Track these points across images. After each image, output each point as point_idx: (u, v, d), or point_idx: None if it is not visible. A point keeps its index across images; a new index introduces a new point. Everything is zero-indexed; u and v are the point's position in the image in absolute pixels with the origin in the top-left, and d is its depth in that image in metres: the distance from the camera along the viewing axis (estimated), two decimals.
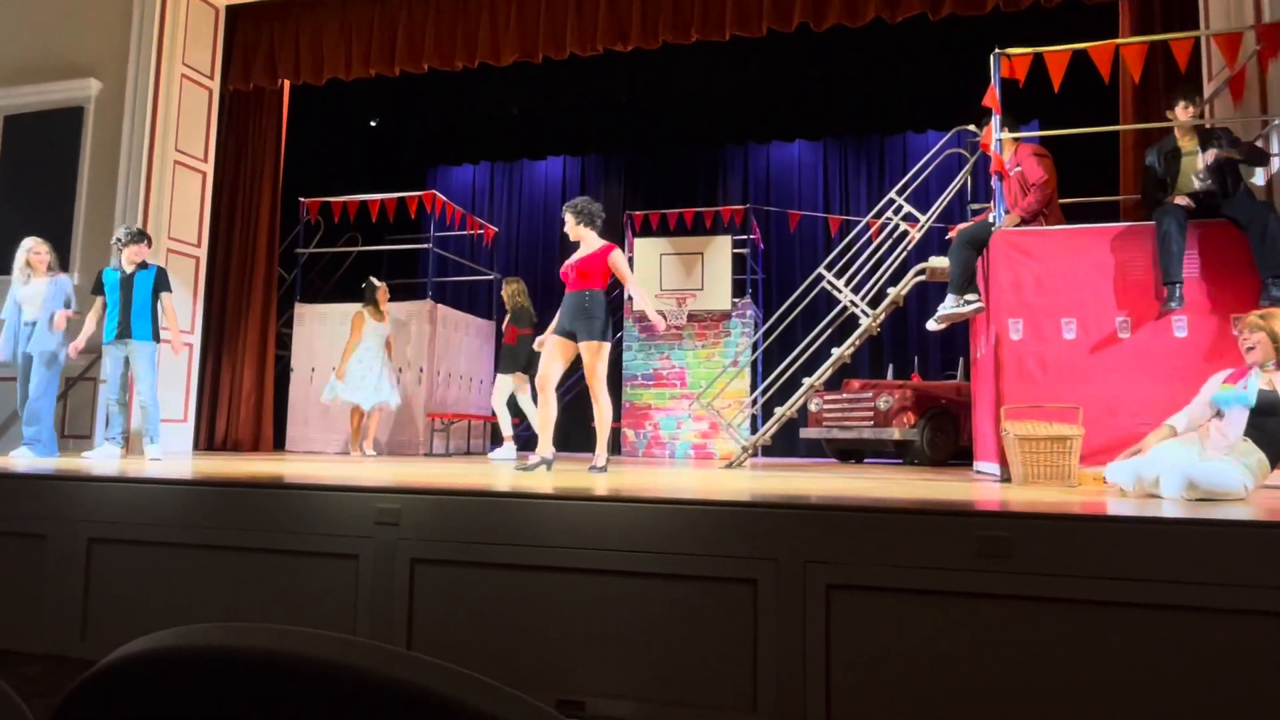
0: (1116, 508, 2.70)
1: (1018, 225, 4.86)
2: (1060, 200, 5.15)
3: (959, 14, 6.51)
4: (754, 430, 8.10)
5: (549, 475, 4.35)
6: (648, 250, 9.32)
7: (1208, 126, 4.73)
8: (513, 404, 7.15)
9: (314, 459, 6.47)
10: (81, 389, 6.62)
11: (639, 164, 11.76)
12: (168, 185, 7.22)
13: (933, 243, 7.80)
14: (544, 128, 11.34)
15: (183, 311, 7.08)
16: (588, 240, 4.80)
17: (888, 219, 6.72)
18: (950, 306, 5.14)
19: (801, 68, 9.06)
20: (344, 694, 0.43)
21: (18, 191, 7.11)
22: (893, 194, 6.73)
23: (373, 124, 11.40)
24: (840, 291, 6.46)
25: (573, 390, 10.76)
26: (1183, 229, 4.29)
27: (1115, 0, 6.23)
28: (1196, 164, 4.57)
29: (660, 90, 9.63)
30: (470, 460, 7.21)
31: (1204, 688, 2.12)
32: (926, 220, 6.44)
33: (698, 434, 9.19)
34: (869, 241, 6.82)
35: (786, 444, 8.99)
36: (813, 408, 8.26)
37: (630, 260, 9.44)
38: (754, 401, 8.20)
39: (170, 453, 6.37)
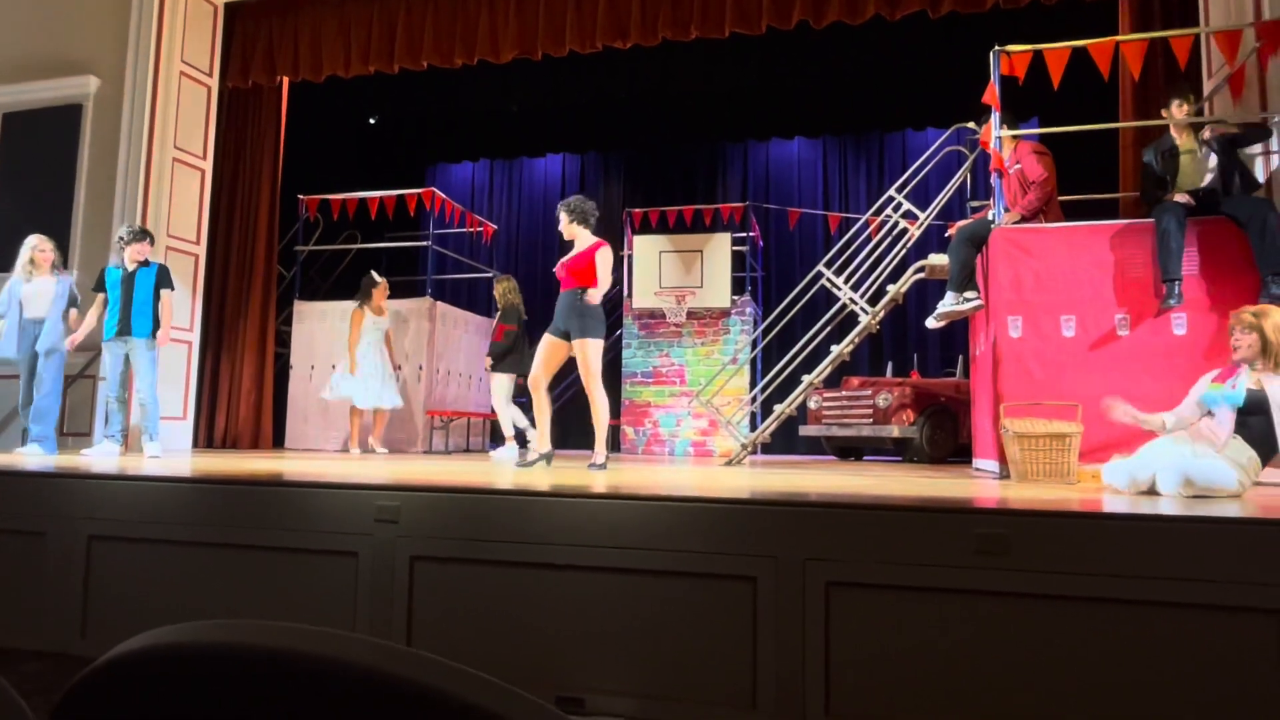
0: (1114, 505, 2.71)
1: (1018, 223, 4.86)
2: (1060, 198, 5.15)
3: (959, 11, 6.51)
4: (753, 427, 8.11)
5: (548, 472, 4.35)
6: (647, 248, 9.32)
7: (1204, 124, 4.73)
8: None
9: (313, 457, 6.47)
10: (80, 387, 6.62)
11: (638, 161, 11.75)
12: (167, 183, 7.21)
13: (932, 240, 7.80)
14: (543, 125, 11.34)
15: (182, 309, 7.08)
16: (581, 238, 4.81)
17: (887, 216, 6.71)
18: (949, 304, 5.14)
19: (801, 65, 9.05)
20: (343, 690, 0.43)
21: (16, 189, 7.10)
22: (892, 191, 6.73)
23: (372, 121, 11.39)
24: (839, 289, 6.46)
25: (573, 387, 10.76)
26: (1182, 226, 4.29)
27: None
28: (1196, 161, 4.57)
29: (660, 87, 9.62)
30: (470, 458, 7.21)
31: (1200, 684, 2.12)
32: (926, 218, 6.43)
33: (697, 431, 9.19)
34: (868, 239, 6.81)
35: (786, 441, 8.99)
36: (812, 405, 8.26)
37: (630, 258, 9.46)
38: (753, 399, 8.20)
39: (169, 450, 6.37)
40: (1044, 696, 2.21)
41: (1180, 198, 4.41)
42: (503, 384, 7.01)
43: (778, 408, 6.50)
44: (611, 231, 11.33)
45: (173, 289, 5.68)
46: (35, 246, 5.65)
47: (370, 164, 11.35)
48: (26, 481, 3.42)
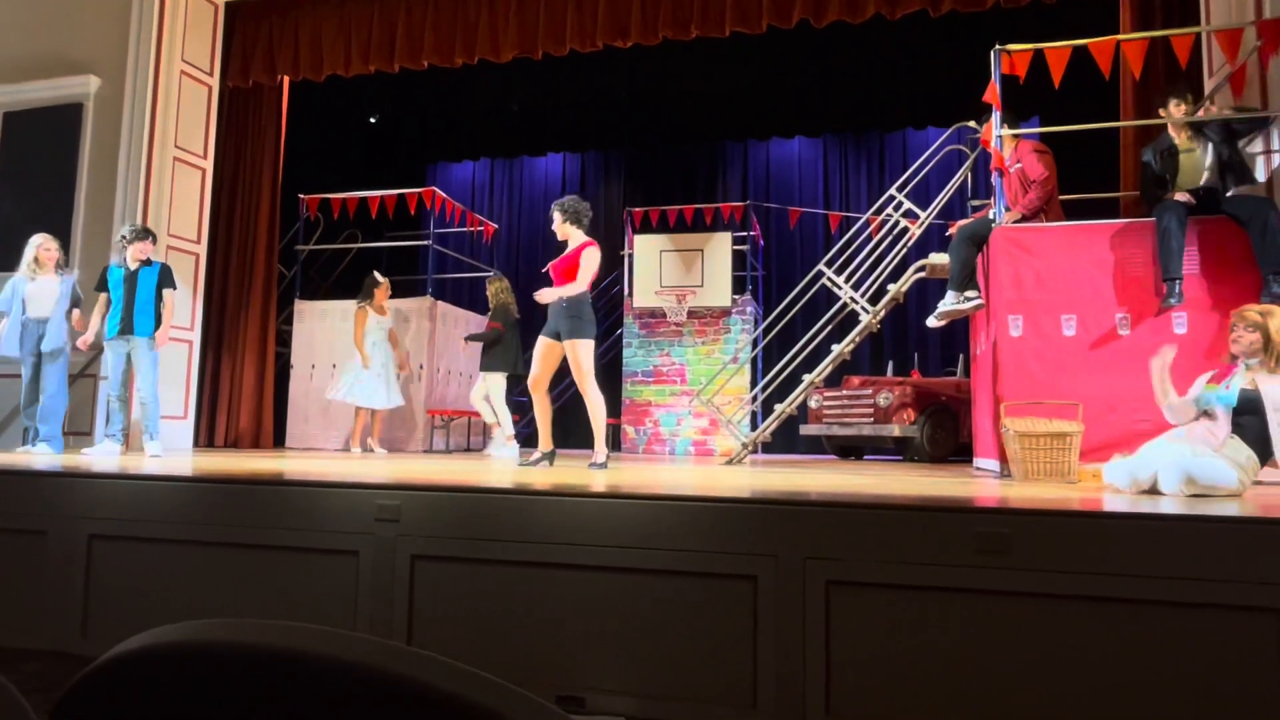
0: (1115, 504, 2.71)
1: (1018, 222, 4.85)
2: (1060, 197, 5.15)
3: (959, 10, 6.50)
4: (754, 427, 8.11)
5: (549, 471, 4.35)
6: (648, 247, 9.32)
7: (1203, 123, 4.73)
8: (511, 402, 7.17)
9: (314, 456, 6.47)
10: (81, 386, 6.62)
11: (639, 160, 11.75)
12: (167, 182, 7.21)
13: (933, 239, 7.79)
14: (544, 124, 11.33)
15: (183, 308, 7.08)
16: (574, 239, 4.84)
17: (888, 215, 6.71)
18: (950, 303, 5.14)
19: (801, 64, 9.04)
20: (344, 689, 0.43)
21: (17, 188, 7.10)
22: (893, 190, 6.72)
23: (372, 120, 11.39)
24: (840, 288, 6.46)
25: (573, 387, 10.77)
26: (1182, 225, 4.28)
27: None
28: (1195, 160, 4.57)
29: (660, 86, 9.62)
30: (470, 457, 7.22)
31: (1201, 683, 2.12)
32: (927, 217, 6.43)
33: (698, 430, 9.19)
34: (869, 238, 6.81)
35: (786, 441, 8.99)
36: (813, 404, 8.26)
37: (630, 257, 9.46)
38: (754, 398, 8.20)
39: (170, 449, 6.37)
40: (1044, 696, 2.22)
41: (1181, 197, 4.41)
42: (498, 383, 7.01)
43: (778, 407, 6.50)
44: (612, 230, 11.36)
45: (175, 288, 5.70)
46: (40, 245, 5.65)
47: (371, 163, 11.34)
48: (27, 480, 3.42)
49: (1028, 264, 4.59)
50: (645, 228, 9.81)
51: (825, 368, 6.31)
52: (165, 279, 5.63)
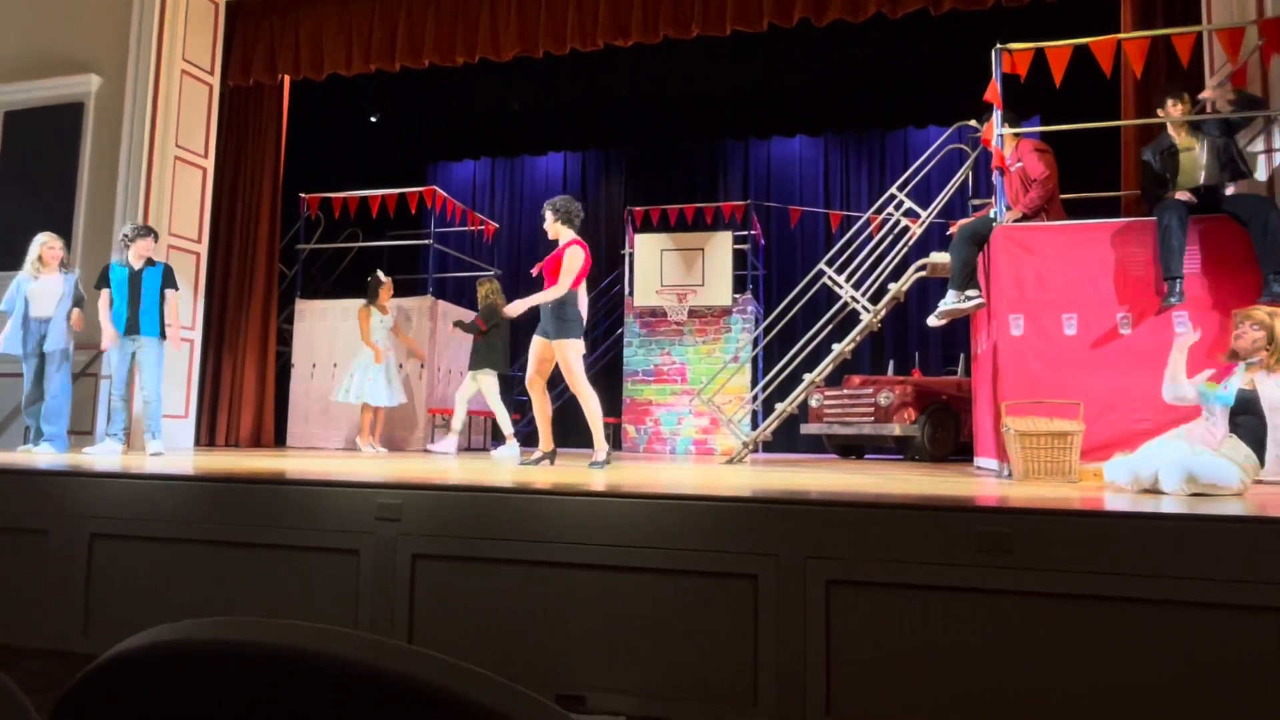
0: (1116, 503, 2.71)
1: (1019, 221, 4.85)
2: (1061, 195, 5.14)
3: (960, 9, 6.50)
4: (755, 426, 8.11)
5: (550, 470, 4.35)
6: (648, 246, 9.31)
7: (1201, 121, 4.72)
8: (508, 402, 7.20)
9: (315, 455, 6.47)
10: (82, 385, 6.62)
11: (640, 159, 11.75)
12: (168, 181, 7.21)
13: (933, 238, 7.79)
14: (544, 123, 11.33)
15: (184, 307, 7.08)
16: (563, 238, 4.87)
17: (889, 215, 6.71)
18: (951, 302, 5.13)
19: (802, 63, 9.04)
20: (345, 688, 0.43)
21: (18, 187, 7.11)
22: (894, 189, 6.72)
23: (373, 119, 11.39)
24: (841, 287, 6.46)
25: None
26: (1183, 224, 4.28)
27: None
28: (1194, 158, 4.56)
29: (661, 85, 9.61)
30: (471, 456, 7.22)
31: (1203, 682, 2.12)
32: (927, 216, 6.43)
33: (698, 430, 9.19)
34: (870, 237, 6.80)
35: (787, 440, 8.99)
36: (813, 403, 8.26)
37: (631, 256, 9.46)
38: (755, 397, 8.20)
39: (171, 449, 6.38)
40: (1045, 694, 2.21)
41: (1181, 196, 4.41)
42: (489, 383, 7.02)
43: (779, 406, 6.50)
44: (613, 229, 11.37)
45: (177, 290, 5.73)
46: (45, 244, 5.64)
47: (371, 162, 11.34)
48: (29, 479, 3.43)
49: (1029, 263, 4.58)
50: (646, 227, 9.81)
51: (826, 367, 6.31)
52: (168, 280, 5.66)
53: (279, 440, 8.40)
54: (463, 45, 7.47)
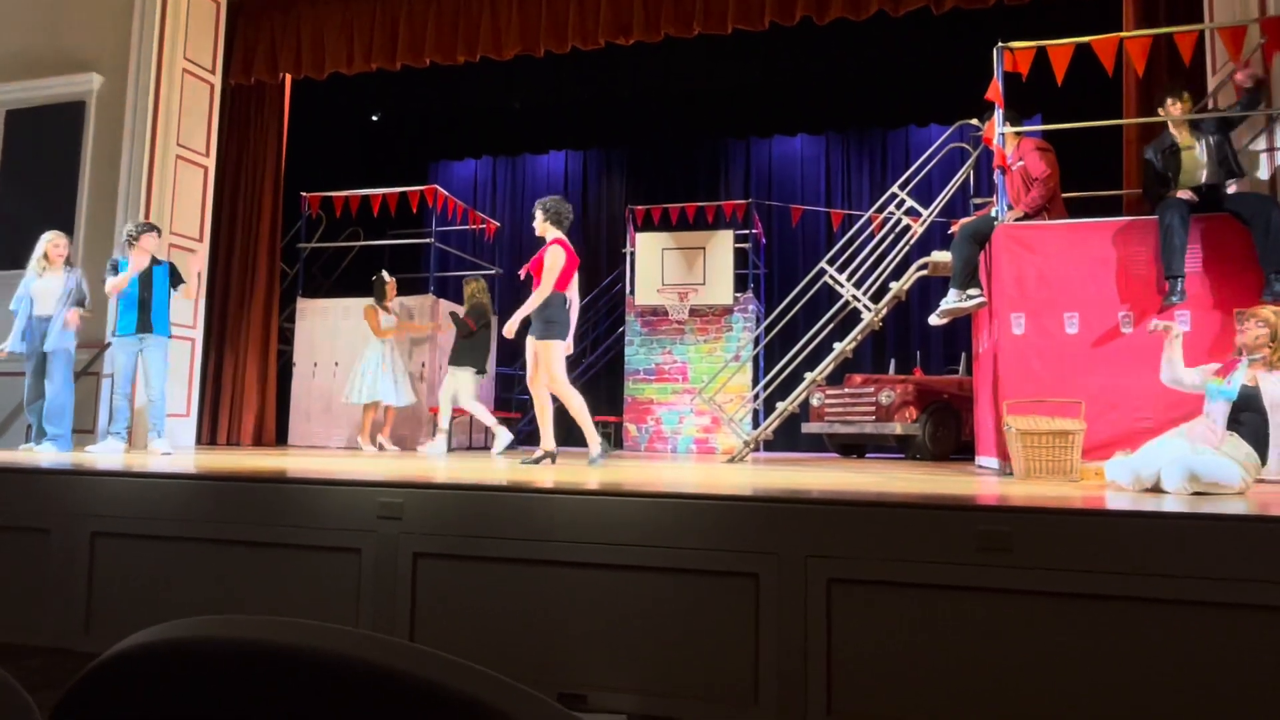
0: (1117, 502, 2.70)
1: (1021, 220, 4.85)
2: (1063, 194, 5.14)
3: (962, 7, 6.49)
4: (756, 425, 8.10)
5: (551, 469, 4.36)
6: (649, 245, 9.31)
7: (1202, 119, 4.72)
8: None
9: (317, 454, 6.48)
10: (84, 384, 6.62)
11: (641, 158, 11.74)
12: (170, 180, 7.22)
13: (935, 237, 7.78)
14: (546, 122, 11.32)
15: (185, 306, 7.09)
16: (548, 237, 4.90)
17: (890, 213, 6.70)
18: (952, 301, 5.13)
19: (804, 61, 9.03)
20: (347, 686, 0.43)
21: (20, 186, 7.11)
22: (895, 188, 6.71)
23: (374, 118, 11.39)
24: (842, 286, 6.45)
25: (573, 385, 10.76)
26: (1185, 223, 4.28)
27: None
28: (1195, 157, 4.56)
29: (662, 84, 9.60)
30: (472, 455, 7.22)
31: (1204, 682, 2.12)
32: (929, 215, 6.42)
33: (700, 429, 9.19)
34: (871, 236, 6.80)
35: (788, 439, 8.99)
36: (815, 402, 8.26)
37: (632, 255, 9.45)
38: (756, 396, 8.20)
39: (173, 447, 6.38)
40: (1046, 693, 2.21)
41: (1183, 194, 4.40)
42: (465, 380, 7.04)
43: (780, 405, 6.49)
44: (614, 228, 11.36)
45: (185, 282, 5.84)
46: (50, 241, 5.65)
47: (373, 161, 11.34)
48: (30, 478, 3.43)
49: (1030, 262, 4.58)
50: (647, 225, 9.80)
51: (827, 366, 6.30)
52: (175, 277, 5.73)
53: (280, 439, 8.40)
54: (464, 44, 7.47)
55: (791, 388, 6.66)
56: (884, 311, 6.17)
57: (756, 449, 7.07)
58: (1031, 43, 4.86)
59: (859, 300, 6.33)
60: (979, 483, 3.93)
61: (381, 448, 7.32)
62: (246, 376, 8.05)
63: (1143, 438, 3.60)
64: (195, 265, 5.94)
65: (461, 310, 7.41)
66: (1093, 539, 2.26)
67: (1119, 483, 3.37)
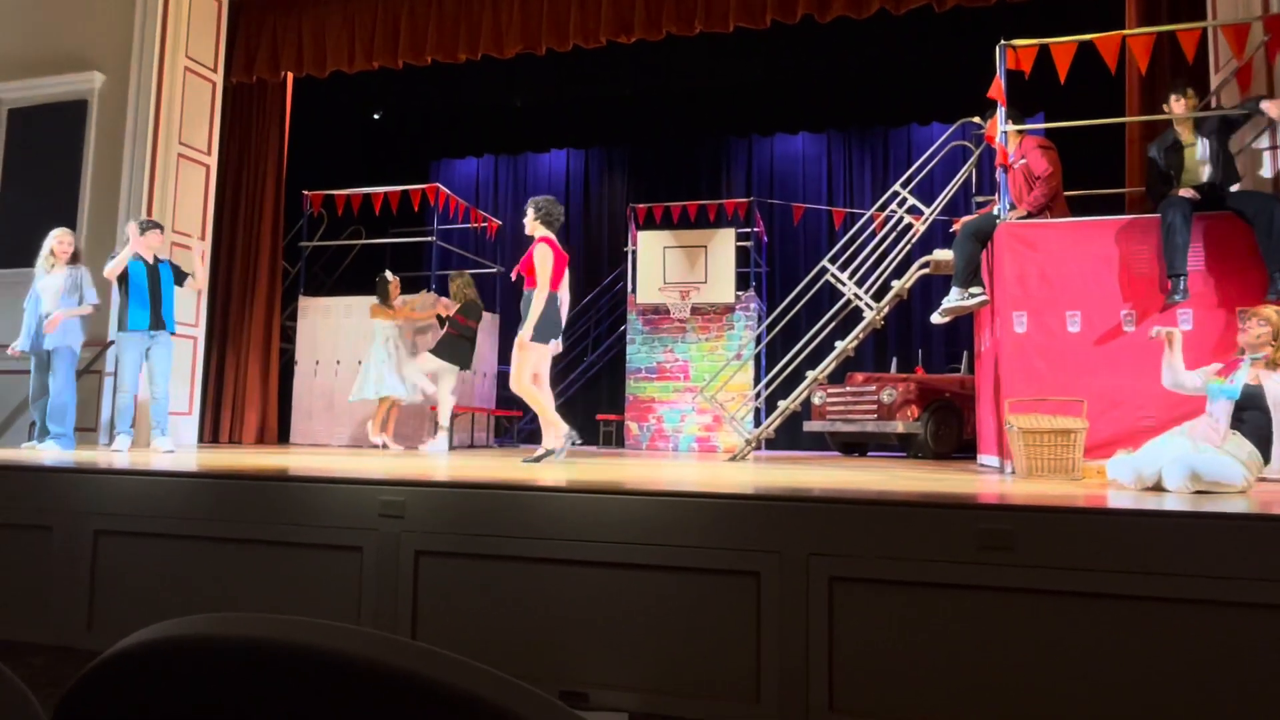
0: (1118, 501, 2.70)
1: (1024, 219, 4.84)
2: (1065, 192, 5.13)
3: (964, 5, 6.48)
4: (757, 423, 8.10)
5: (553, 467, 4.36)
6: (651, 243, 9.31)
7: (1206, 117, 4.71)
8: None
9: (319, 452, 6.49)
10: (86, 382, 6.63)
11: (642, 157, 11.74)
12: (172, 178, 7.22)
13: (937, 236, 7.77)
14: (547, 120, 11.32)
15: (187, 305, 7.10)
16: (537, 235, 4.92)
17: (892, 212, 6.69)
18: (955, 299, 5.12)
19: (805, 59, 9.02)
20: (349, 684, 0.43)
21: (22, 185, 7.12)
22: (897, 187, 6.70)
23: (376, 117, 11.39)
24: (844, 284, 6.45)
25: (575, 384, 10.77)
26: (1187, 221, 4.27)
27: None
28: (1196, 155, 4.55)
29: (664, 82, 9.60)
30: (474, 453, 7.23)
31: (1205, 681, 2.12)
32: (931, 213, 6.41)
33: (701, 427, 9.19)
34: (873, 234, 6.79)
35: (790, 437, 8.99)
36: (816, 401, 8.25)
37: (633, 253, 9.45)
38: (757, 395, 8.20)
39: (176, 445, 6.39)
40: (1047, 692, 2.21)
41: (1185, 193, 4.39)
42: (450, 376, 7.06)
43: (782, 403, 6.49)
44: (616, 227, 11.36)
45: (190, 275, 5.90)
46: (56, 238, 5.67)
47: (374, 159, 11.34)
48: (33, 476, 3.44)
49: (1032, 260, 4.57)
50: (649, 224, 9.80)
51: (829, 364, 6.30)
52: (179, 274, 5.78)
53: (282, 437, 8.41)
54: (465, 42, 7.46)
55: (793, 386, 6.66)
56: (886, 310, 6.16)
57: (758, 447, 7.06)
58: (1034, 40, 4.85)
59: (861, 299, 6.32)
60: (981, 481, 3.93)
61: (385, 446, 7.32)
62: (248, 375, 8.06)
63: (1145, 436, 3.59)
64: (197, 254, 5.95)
65: (451, 308, 7.39)
66: (1094, 538, 2.26)
67: (1121, 481, 3.37)
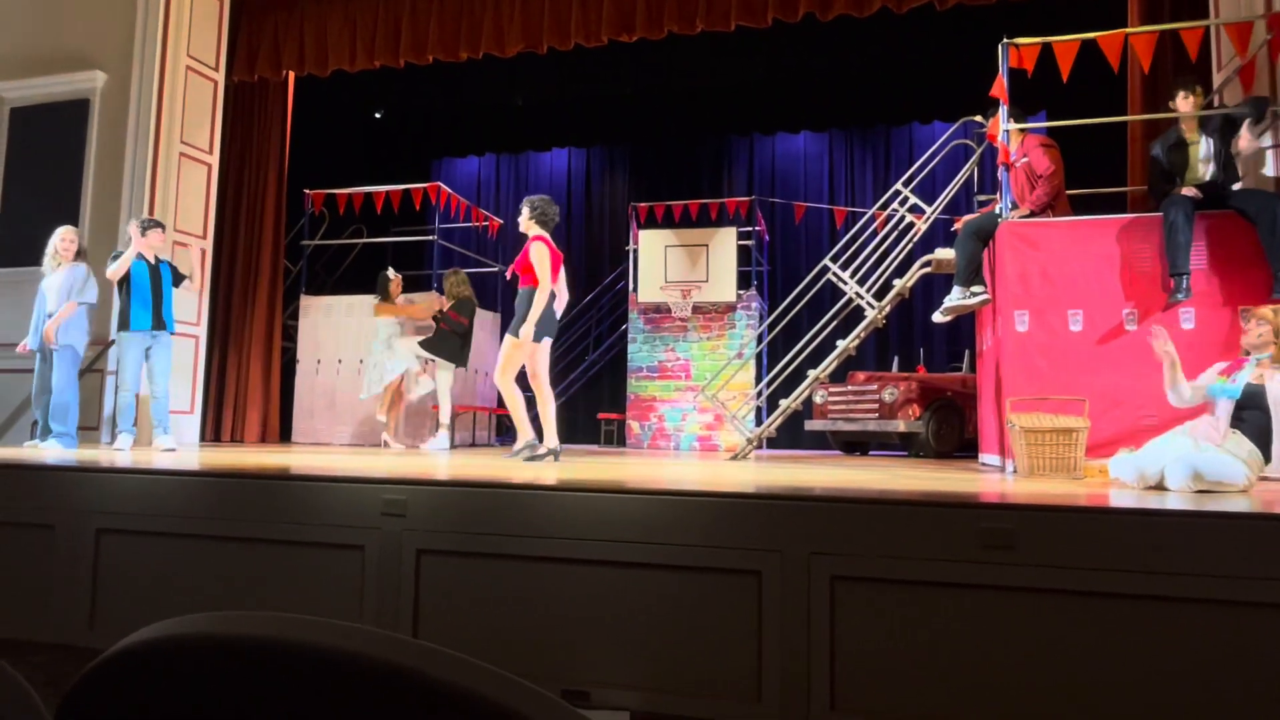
0: (1120, 500, 2.70)
1: (1026, 218, 4.83)
2: (1068, 191, 5.12)
3: (965, 3, 6.47)
4: (759, 422, 8.10)
5: (555, 466, 4.36)
6: (653, 242, 9.31)
7: (1212, 115, 4.70)
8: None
9: (321, 450, 6.49)
10: (87, 381, 6.64)
11: (644, 156, 11.73)
12: (173, 177, 7.23)
13: (939, 234, 7.77)
14: (549, 119, 11.32)
15: (189, 303, 7.11)
16: (530, 234, 4.93)
17: (893, 210, 6.69)
18: (956, 298, 5.12)
19: (807, 58, 9.01)
20: (351, 682, 0.43)
21: (24, 184, 7.13)
22: (899, 185, 6.70)
23: (377, 115, 11.39)
24: (845, 283, 6.44)
25: (576, 383, 10.77)
26: (1190, 220, 4.26)
27: None
28: (1198, 153, 4.54)
29: (665, 81, 9.59)
30: (475, 452, 7.23)
31: (1207, 680, 2.12)
32: (932, 212, 6.40)
33: (703, 426, 9.19)
34: (874, 233, 6.79)
35: (791, 436, 8.98)
36: (818, 400, 8.25)
37: (635, 252, 9.44)
38: (759, 393, 8.19)
39: (177, 444, 6.40)
40: (1049, 691, 2.21)
41: (1188, 191, 4.39)
42: (446, 375, 7.05)
43: (783, 402, 6.49)
44: (617, 226, 11.35)
45: (186, 277, 5.92)
46: (59, 236, 5.68)
47: (376, 158, 11.34)
48: (36, 475, 3.44)
49: (1034, 259, 4.57)
50: (650, 223, 9.79)
51: (830, 363, 6.29)
52: (177, 275, 5.80)
53: (284, 436, 8.42)
54: (467, 41, 7.46)
55: (794, 385, 6.65)
56: (887, 309, 6.15)
57: (759, 446, 7.06)
58: (1036, 39, 4.84)
59: (862, 297, 6.32)
60: (982, 480, 3.93)
61: (386, 444, 7.33)
62: (250, 373, 8.06)
63: (1146, 435, 3.59)
64: (195, 253, 5.98)
65: (445, 304, 7.40)
66: (1096, 537, 2.25)
67: (1123, 480, 3.37)
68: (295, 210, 8.85)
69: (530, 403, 5.02)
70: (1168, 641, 2.15)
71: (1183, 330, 4.31)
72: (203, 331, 7.58)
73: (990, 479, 4.05)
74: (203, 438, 7.70)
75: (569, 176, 12.18)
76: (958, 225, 5.60)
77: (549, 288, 4.80)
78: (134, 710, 0.48)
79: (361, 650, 0.43)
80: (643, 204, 10.02)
